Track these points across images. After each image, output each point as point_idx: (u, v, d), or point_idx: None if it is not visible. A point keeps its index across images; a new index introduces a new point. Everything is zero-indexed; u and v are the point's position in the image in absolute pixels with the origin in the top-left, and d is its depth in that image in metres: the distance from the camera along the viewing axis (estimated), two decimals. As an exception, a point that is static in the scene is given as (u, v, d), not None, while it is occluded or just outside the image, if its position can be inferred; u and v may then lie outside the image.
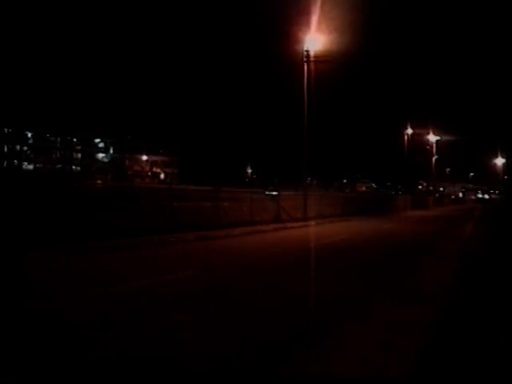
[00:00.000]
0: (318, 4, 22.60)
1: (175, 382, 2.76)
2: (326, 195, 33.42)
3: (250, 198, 22.28)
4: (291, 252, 13.34)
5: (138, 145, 71.83)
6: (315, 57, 25.83)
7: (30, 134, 63.30)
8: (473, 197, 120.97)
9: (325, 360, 4.59)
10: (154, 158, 79.01)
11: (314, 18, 23.76)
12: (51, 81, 46.38)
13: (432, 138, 70.70)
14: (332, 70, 30.47)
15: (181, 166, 74.70)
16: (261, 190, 27.21)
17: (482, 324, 5.79)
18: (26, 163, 57.61)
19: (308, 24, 24.47)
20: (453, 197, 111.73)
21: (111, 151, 74.75)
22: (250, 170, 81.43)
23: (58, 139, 67.22)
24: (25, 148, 61.91)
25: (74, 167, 64.62)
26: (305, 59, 25.74)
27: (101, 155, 73.89)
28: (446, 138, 72.10)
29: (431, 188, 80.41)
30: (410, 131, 59.57)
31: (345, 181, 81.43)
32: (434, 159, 73.94)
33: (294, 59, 26.60)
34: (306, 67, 25.74)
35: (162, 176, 75.87)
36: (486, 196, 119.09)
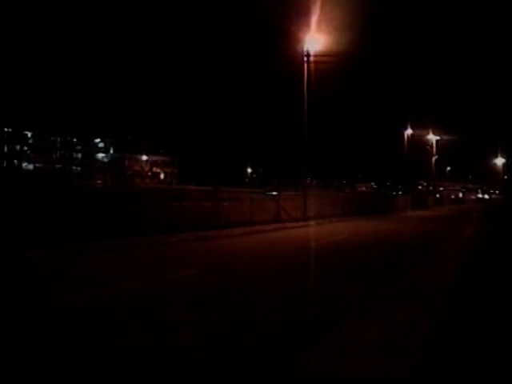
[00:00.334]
0: (318, 4, 22.62)
1: (175, 382, 2.76)
2: (326, 195, 33.42)
3: (249, 197, 22.28)
4: (291, 252, 13.34)
5: (137, 145, 71.83)
6: (315, 57, 25.83)
7: (29, 134, 63.30)
8: (473, 197, 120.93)
9: (325, 360, 4.59)
10: (154, 157, 79.01)
11: (314, 18, 23.78)
12: (51, 81, 46.35)
13: (432, 137, 70.71)
14: (332, 70, 30.49)
15: (181, 166, 74.70)
16: (261, 190, 27.23)
17: (483, 324, 5.79)
18: (25, 163, 57.60)
19: (308, 24, 24.48)
20: (453, 197, 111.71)
21: (111, 151, 74.73)
22: (250, 170, 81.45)
23: (58, 139, 67.22)
24: (25, 148, 61.91)
25: (74, 167, 64.61)
26: (305, 59, 25.74)
27: (101, 155, 73.87)
28: (446, 138, 72.10)
29: (431, 188, 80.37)
30: (409, 131, 59.59)
31: (345, 181, 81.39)
32: (433, 159, 73.95)
33: (294, 59, 26.62)
34: (306, 67, 25.75)
35: (162, 176, 75.87)
36: (486, 196, 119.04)
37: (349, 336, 5.39)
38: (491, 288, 8.08)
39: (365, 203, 37.97)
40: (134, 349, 4.91)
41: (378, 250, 14.10)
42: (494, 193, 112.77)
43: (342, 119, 57.29)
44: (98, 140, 72.79)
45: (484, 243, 16.03)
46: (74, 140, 68.84)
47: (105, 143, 73.70)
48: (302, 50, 25.78)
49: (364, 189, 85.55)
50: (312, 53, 25.77)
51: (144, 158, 77.28)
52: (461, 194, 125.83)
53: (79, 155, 70.53)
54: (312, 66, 25.91)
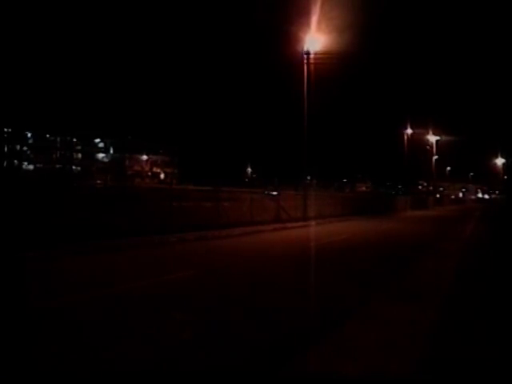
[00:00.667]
0: (318, 4, 22.62)
1: (175, 382, 2.76)
2: (326, 195, 33.42)
3: (249, 197, 22.28)
4: (291, 252, 13.34)
5: (137, 145, 71.88)
6: (315, 57, 25.83)
7: (29, 134, 63.33)
8: (473, 197, 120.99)
9: (325, 360, 4.59)
10: (154, 157, 79.05)
11: (314, 18, 23.78)
12: (51, 81, 46.36)
13: (432, 138, 70.75)
14: (332, 70, 30.48)
15: (181, 166, 74.74)
16: (261, 190, 27.20)
17: (483, 324, 5.79)
18: (26, 163, 57.63)
19: (308, 24, 24.48)
20: (453, 197, 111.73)
21: (111, 151, 74.77)
22: (250, 170, 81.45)
23: (58, 139, 67.26)
24: (25, 148, 61.93)
25: (74, 167, 64.62)
26: (305, 59, 25.74)
27: (101, 155, 73.91)
28: (446, 138, 72.15)
29: (431, 188, 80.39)
30: (409, 131, 59.59)
31: (345, 180, 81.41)
32: (433, 159, 73.97)
33: (294, 59, 26.62)
34: (305, 67, 25.74)
35: (162, 176, 75.90)
36: (486, 196, 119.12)
37: (349, 336, 5.38)
38: (491, 288, 8.08)
39: (365, 203, 37.99)
40: (134, 349, 4.91)
41: (378, 250, 14.11)
42: (494, 193, 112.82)
43: (342, 119, 57.29)
44: (98, 140, 72.85)
45: (484, 243, 16.03)
46: (74, 140, 68.88)
47: (105, 143, 73.74)
48: (302, 50, 25.78)
49: (364, 189, 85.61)
50: (312, 53, 25.78)
51: (144, 157, 77.31)
52: (461, 194, 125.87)
53: (79, 155, 70.56)
54: (312, 66, 25.92)
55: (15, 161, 52.08)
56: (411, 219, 32.88)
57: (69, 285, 8.05)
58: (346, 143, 64.18)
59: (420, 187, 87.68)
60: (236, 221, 19.59)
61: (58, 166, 62.46)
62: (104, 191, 18.13)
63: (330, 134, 51.09)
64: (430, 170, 74.76)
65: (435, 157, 73.86)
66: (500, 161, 75.94)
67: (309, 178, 30.88)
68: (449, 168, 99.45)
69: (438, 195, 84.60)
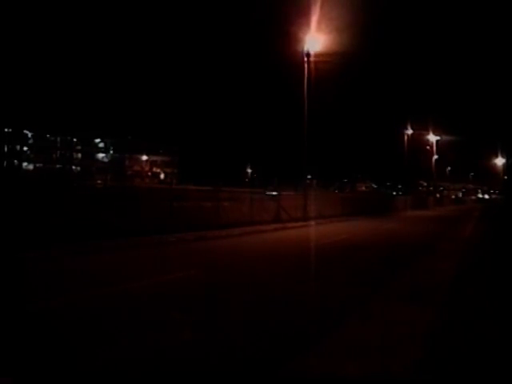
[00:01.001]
0: (318, 4, 22.62)
1: (175, 382, 2.76)
2: (326, 195, 33.42)
3: (249, 198, 22.28)
4: (291, 252, 13.33)
5: (137, 145, 71.83)
6: (315, 57, 25.83)
7: (30, 134, 63.32)
8: (473, 197, 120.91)
9: (325, 360, 4.59)
10: (154, 157, 79.02)
11: (314, 18, 23.78)
12: (51, 81, 46.36)
13: (432, 137, 70.73)
14: (332, 70, 30.48)
15: (181, 166, 74.76)
16: (261, 190, 27.18)
17: (483, 324, 5.79)
18: (25, 163, 57.62)
19: (308, 24, 24.48)
20: (453, 197, 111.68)
21: (111, 151, 74.75)
22: (250, 170, 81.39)
23: (58, 139, 67.24)
24: (25, 148, 61.93)
25: (74, 167, 64.61)
26: (305, 59, 25.74)
27: (101, 155, 73.89)
28: (446, 138, 72.14)
29: (431, 188, 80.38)
30: (410, 131, 59.57)
31: (345, 180, 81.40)
32: (433, 159, 73.96)
33: (294, 59, 26.61)
34: (306, 67, 25.74)
35: (162, 176, 75.88)
36: (486, 196, 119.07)
37: (349, 336, 5.38)
38: (491, 288, 8.07)
39: (365, 203, 37.97)
40: (134, 348, 4.90)
41: (378, 251, 14.10)
42: (494, 193, 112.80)
43: (342, 119, 57.31)
44: (98, 140, 72.82)
45: (484, 243, 16.02)
46: (74, 140, 68.86)
47: (105, 143, 73.72)
48: (302, 50, 25.77)
49: (364, 189, 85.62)
50: (312, 53, 25.77)
51: (144, 157, 77.28)
52: (461, 194, 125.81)
53: (79, 155, 70.54)
54: (312, 65, 25.91)
55: (15, 161, 52.10)
56: (411, 219, 32.88)
57: (69, 285, 8.05)
58: (346, 143, 64.23)
59: (420, 187, 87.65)
60: (236, 221, 19.58)
61: (57, 165, 62.45)
62: (104, 191, 18.14)
63: (330, 134, 51.11)
64: (430, 169, 74.75)
65: (435, 157, 73.87)
66: (500, 161, 75.94)
67: (309, 177, 30.87)
68: (449, 168, 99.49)
69: (438, 195, 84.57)
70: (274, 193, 25.89)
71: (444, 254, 12.78)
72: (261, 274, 9.58)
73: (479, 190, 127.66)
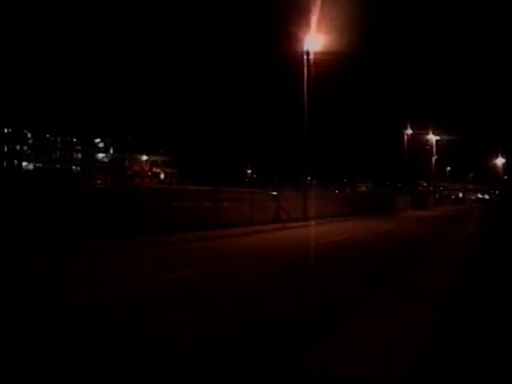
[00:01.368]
0: (318, 4, 22.62)
1: (175, 382, 2.76)
2: (326, 195, 33.43)
3: (249, 198, 22.28)
4: (291, 252, 13.33)
5: (138, 145, 71.85)
6: (315, 56, 25.83)
7: (30, 134, 63.32)
8: (473, 197, 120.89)
9: (325, 360, 4.59)
10: (154, 157, 79.02)
11: (314, 18, 23.78)
12: (51, 81, 46.36)
13: (432, 137, 70.72)
14: (332, 70, 30.48)
15: (181, 166, 74.77)
16: (261, 190, 27.22)
17: (483, 324, 5.79)
18: (26, 163, 57.63)
19: (308, 24, 24.48)
20: (453, 197, 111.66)
21: (111, 151, 74.75)
22: (249, 170, 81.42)
23: (58, 139, 67.23)
24: (25, 148, 61.93)
25: (74, 167, 64.65)
26: (305, 59, 25.74)
27: (101, 155, 73.90)
28: (446, 138, 72.13)
29: (431, 188, 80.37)
30: (409, 131, 59.57)
31: (345, 181, 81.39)
32: (433, 159, 73.96)
33: (294, 59, 26.61)
34: (305, 67, 25.74)
35: (162, 176, 75.87)
36: (486, 196, 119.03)
37: (349, 336, 5.38)
38: (490, 288, 8.08)
39: (365, 203, 37.98)
40: (134, 348, 4.90)
41: (378, 251, 14.10)
42: (494, 193, 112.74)
43: (342, 119, 57.31)
44: (98, 140, 72.81)
45: (483, 243, 16.03)
46: (74, 140, 68.85)
47: (105, 143, 73.72)
48: (302, 50, 25.78)
49: (364, 189, 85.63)
50: (312, 53, 25.78)
51: (144, 157, 77.28)
52: (461, 194, 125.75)
53: (79, 155, 70.54)
54: (312, 65, 25.92)
55: (15, 161, 52.09)
56: (411, 219, 32.88)
57: (68, 285, 8.05)
58: (346, 143, 64.22)
59: (420, 187, 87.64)
60: (236, 221, 19.58)
61: (57, 165, 62.46)
62: (104, 191, 18.16)
63: (330, 134, 51.11)
64: (430, 170, 74.74)
65: (435, 157, 73.86)
66: (500, 161, 75.94)
67: (309, 178, 30.88)
68: (449, 168, 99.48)
69: (437, 195, 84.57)
70: (274, 193, 25.91)
71: (444, 254, 12.79)
72: (261, 273, 9.58)
73: (479, 190, 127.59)
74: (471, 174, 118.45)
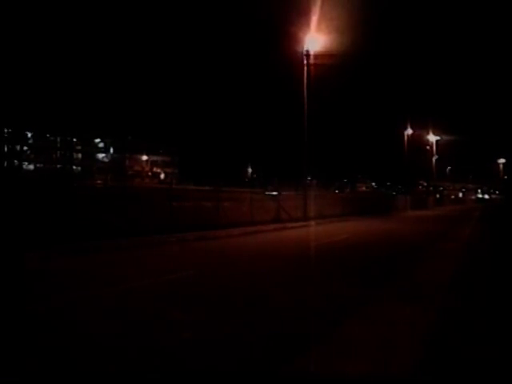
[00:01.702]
0: (318, 4, 22.63)
1: (175, 382, 2.77)
2: (326, 195, 33.42)
3: (249, 198, 22.29)
4: (291, 252, 13.34)
5: (138, 145, 71.85)
6: (315, 56, 25.84)
7: (30, 134, 63.31)
8: (473, 197, 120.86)
9: (325, 360, 4.60)
10: (154, 157, 79.04)
11: (314, 18, 23.79)
12: (51, 81, 46.37)
13: (432, 137, 70.73)
14: (332, 70, 30.48)
15: (181, 166, 74.73)
16: (261, 190, 27.22)
17: (482, 324, 5.80)
18: (26, 163, 57.63)
19: (308, 24, 24.49)
20: (453, 197, 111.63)
21: (111, 151, 74.75)
22: (250, 170, 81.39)
23: (58, 139, 67.23)
24: (25, 148, 61.93)
25: (74, 167, 64.59)
26: (305, 59, 25.75)
27: (101, 155, 73.91)
28: (446, 138, 72.13)
29: (431, 188, 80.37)
30: (410, 131, 59.56)
31: (345, 180, 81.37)
32: (434, 159, 73.96)
33: (294, 59, 26.62)
34: (305, 67, 25.75)
35: (162, 176, 75.87)
36: (486, 196, 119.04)
37: (349, 336, 5.39)
38: (490, 288, 8.08)
39: (365, 203, 37.98)
40: (134, 348, 4.91)
41: (378, 251, 14.10)
42: (494, 193, 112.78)
43: (342, 119, 57.28)
44: (98, 140, 72.82)
45: (483, 243, 16.03)
46: (74, 140, 68.84)
47: (105, 143, 73.72)
48: (302, 50, 25.79)
49: (364, 189, 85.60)
50: (312, 53, 25.79)
51: (144, 158, 77.30)
52: (461, 194, 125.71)
53: (79, 155, 70.54)
54: (312, 65, 25.92)
55: (15, 161, 52.09)
56: (411, 219, 32.88)
57: (69, 285, 8.06)
58: (346, 143, 64.17)
59: (420, 187, 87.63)
60: (236, 221, 19.59)
61: (58, 165, 62.43)
62: (104, 191, 18.17)
63: (330, 134, 51.10)
64: (430, 170, 74.75)
65: (435, 157, 73.86)
66: (500, 161, 75.97)
67: (309, 178, 30.85)
68: (449, 168, 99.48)
69: (437, 195, 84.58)
70: (274, 193, 25.92)
71: (444, 254, 12.79)
72: (261, 274, 9.59)
73: (479, 190, 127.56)
74: (471, 174, 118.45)
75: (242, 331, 5.57)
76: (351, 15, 29.23)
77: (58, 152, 67.69)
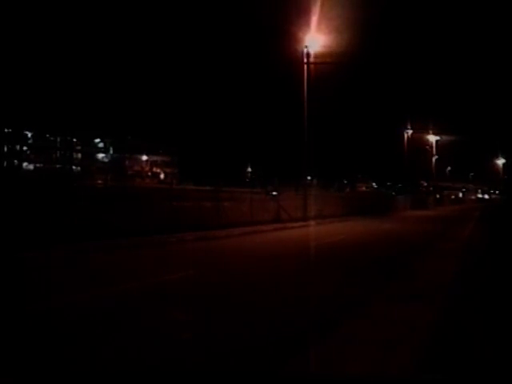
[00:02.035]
0: (318, 4, 22.63)
1: (175, 382, 2.76)
2: (326, 195, 33.42)
3: (249, 198, 22.29)
4: (291, 252, 13.34)
5: (138, 145, 71.82)
6: (315, 57, 25.84)
7: (29, 134, 63.30)
8: (473, 197, 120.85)
9: (325, 360, 4.59)
10: (154, 157, 79.03)
11: (314, 18, 23.79)
12: (51, 81, 46.36)
13: (432, 138, 70.73)
14: (332, 70, 30.49)
15: (181, 166, 74.69)
16: (261, 190, 27.21)
17: (482, 324, 5.79)
18: (26, 163, 57.59)
19: (308, 24, 24.49)
20: (453, 197, 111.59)
21: (111, 151, 74.72)
22: (250, 170, 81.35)
23: (58, 139, 67.22)
24: (25, 148, 61.91)
25: (74, 167, 64.56)
26: (305, 59, 25.74)
27: (101, 155, 73.87)
28: (446, 138, 72.12)
29: (431, 188, 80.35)
30: (410, 131, 59.56)
31: (345, 181, 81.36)
32: (434, 159, 73.95)
33: (294, 59, 26.61)
34: (305, 67, 25.75)
35: (162, 176, 75.86)
36: (486, 196, 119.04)
37: (349, 336, 5.38)
38: (490, 288, 8.08)
39: (365, 203, 37.98)
40: (136, 348, 4.91)
41: (378, 251, 14.10)
42: (494, 193, 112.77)
43: (342, 119, 57.24)
44: (98, 140, 72.79)
45: (483, 243, 16.03)
46: (74, 140, 68.82)
47: (105, 143, 73.70)
48: (302, 50, 25.78)
49: (364, 189, 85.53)
50: (312, 53, 25.79)
51: (144, 158, 77.28)
52: (461, 194, 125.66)
53: (79, 155, 70.52)
54: (312, 65, 25.92)
55: (15, 161, 52.08)
56: (411, 219, 32.88)
57: (69, 285, 8.05)
58: (346, 143, 64.14)
59: (420, 187, 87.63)
60: (236, 221, 19.59)
61: (58, 166, 62.41)
62: (104, 191, 18.15)
63: (330, 134, 51.09)
64: (430, 170, 74.74)
65: (435, 157, 73.85)
66: (500, 161, 76.00)
67: (309, 178, 30.87)
68: (449, 168, 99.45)
69: (437, 195, 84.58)
70: (274, 193, 25.91)
71: (444, 254, 12.78)
72: (261, 273, 9.58)
73: (479, 190, 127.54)
74: (471, 174, 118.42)
75: (242, 331, 5.57)
76: (351, 15, 29.23)
77: (58, 152, 67.66)
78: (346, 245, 15.51)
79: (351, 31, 28.96)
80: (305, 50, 25.73)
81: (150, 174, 76.91)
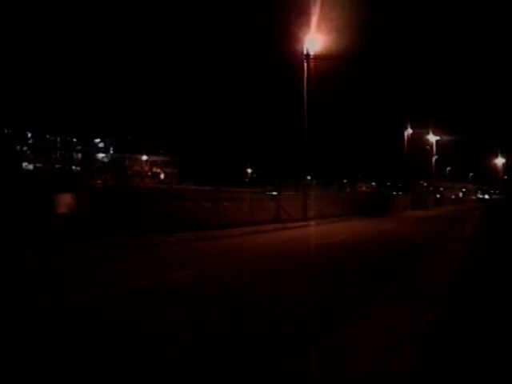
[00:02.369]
0: (318, 4, 22.63)
1: (175, 382, 2.76)
2: (326, 195, 33.41)
3: (249, 198, 22.29)
4: (291, 252, 13.34)
5: (138, 145, 71.86)
6: (315, 57, 25.84)
7: (30, 134, 63.32)
8: (473, 197, 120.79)
9: (325, 360, 4.59)
10: (154, 158, 79.06)
11: (314, 18, 23.79)
12: (51, 81, 46.37)
13: (432, 137, 70.71)
14: (332, 70, 30.47)
15: (181, 166, 74.76)
16: (261, 190, 27.22)
17: (482, 324, 5.79)
18: (26, 163, 57.60)
19: (308, 24, 24.49)
20: (453, 197, 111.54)
21: (111, 151, 74.76)
22: (250, 170, 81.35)
23: (58, 139, 67.25)
24: (25, 148, 61.93)
25: (74, 167, 64.57)
26: (305, 59, 25.74)
27: (101, 155, 73.89)
28: (446, 138, 72.11)
29: (431, 188, 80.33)
30: (410, 131, 59.55)
31: (345, 181, 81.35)
32: (434, 159, 73.92)
33: (294, 59, 26.62)
34: (305, 67, 25.74)
35: (162, 176, 75.89)
36: (486, 196, 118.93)
37: (349, 336, 5.38)
38: (490, 288, 8.08)
39: (365, 203, 37.96)
40: (136, 348, 4.90)
41: (378, 251, 14.09)
42: (494, 193, 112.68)
43: (342, 119, 57.28)
44: (98, 140, 72.82)
45: (484, 243, 16.03)
46: (74, 140, 68.86)
47: (105, 143, 73.72)
48: (302, 50, 25.78)
49: (364, 189, 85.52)
50: (312, 53, 25.78)
51: (144, 158, 77.32)
52: (461, 194, 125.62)
53: (79, 155, 70.55)
54: (312, 65, 25.92)
55: (15, 161, 52.05)
56: (411, 219, 32.87)
57: (68, 285, 8.05)
58: (346, 143, 64.18)
59: (420, 187, 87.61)
60: (236, 221, 19.58)
61: (57, 166, 62.42)
62: (104, 191, 18.14)
63: (330, 134, 51.10)
64: (430, 170, 74.71)
65: (435, 157, 73.83)
66: (500, 161, 76.00)
67: (309, 178, 30.87)
68: (449, 168, 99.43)
69: (437, 195, 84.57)
70: (274, 193, 25.92)
71: (444, 254, 12.79)
72: (261, 274, 9.58)
73: (479, 190, 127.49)
74: (471, 174, 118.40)
75: (242, 331, 5.57)
76: (351, 15, 29.20)
77: (58, 152, 67.70)
78: (346, 245, 15.51)
79: (351, 31, 28.94)
80: (305, 50, 25.72)
81: (149, 173, 76.94)
